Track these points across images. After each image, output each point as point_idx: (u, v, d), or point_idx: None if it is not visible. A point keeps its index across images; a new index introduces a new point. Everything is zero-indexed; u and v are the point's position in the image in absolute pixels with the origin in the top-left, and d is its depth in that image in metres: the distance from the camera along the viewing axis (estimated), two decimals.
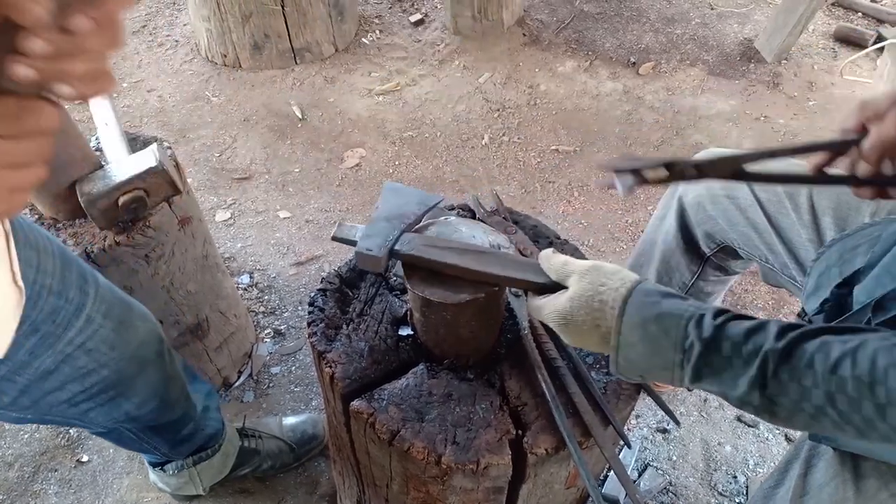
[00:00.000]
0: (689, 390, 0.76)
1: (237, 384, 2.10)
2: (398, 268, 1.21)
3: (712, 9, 3.68)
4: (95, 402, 1.24)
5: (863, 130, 0.90)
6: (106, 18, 0.56)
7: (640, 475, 1.86)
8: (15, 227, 0.99)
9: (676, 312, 0.79)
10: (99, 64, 0.58)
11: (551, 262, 0.94)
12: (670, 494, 1.84)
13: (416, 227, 1.06)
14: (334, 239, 1.05)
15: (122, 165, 1.42)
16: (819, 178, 0.98)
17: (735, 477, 1.88)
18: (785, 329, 0.75)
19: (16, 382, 1.08)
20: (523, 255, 1.23)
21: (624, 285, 0.84)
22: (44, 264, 1.06)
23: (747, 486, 1.86)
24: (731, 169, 0.91)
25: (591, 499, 0.97)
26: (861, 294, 0.95)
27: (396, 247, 1.01)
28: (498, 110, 3.11)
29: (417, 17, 3.62)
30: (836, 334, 0.73)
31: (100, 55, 0.58)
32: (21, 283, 0.97)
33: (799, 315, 1.09)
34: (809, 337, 0.73)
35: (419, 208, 1.08)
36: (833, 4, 3.67)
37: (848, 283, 1.00)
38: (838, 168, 0.95)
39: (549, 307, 0.89)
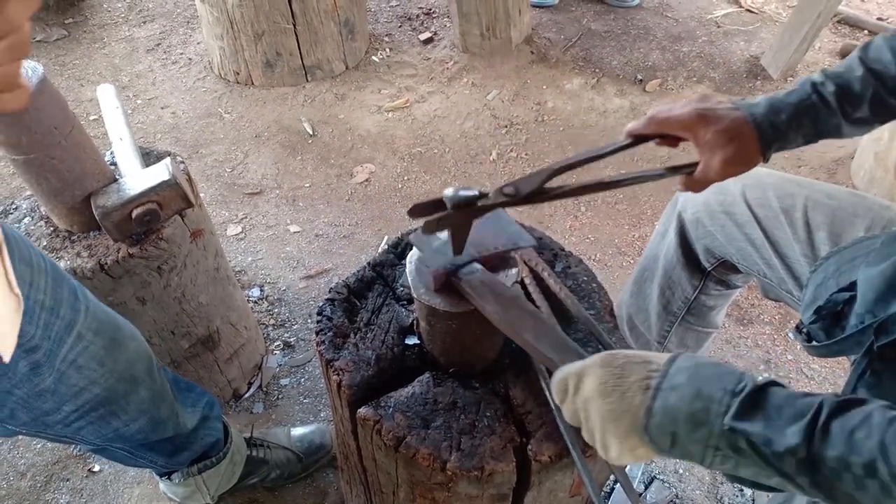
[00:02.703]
0: (717, 451, 0.73)
1: (247, 395, 2.13)
2: (404, 278, 1.24)
3: (719, 27, 3.71)
4: (86, 421, 1.26)
5: (633, 136, 1.10)
6: (7, 26, 0.54)
7: (646, 488, 1.87)
8: (9, 241, 1.01)
9: (734, 369, 0.76)
10: (8, 75, 0.57)
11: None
12: None
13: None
14: (411, 241, 1.07)
15: (136, 179, 1.45)
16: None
17: (742, 490, 1.88)
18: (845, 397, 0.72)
19: (13, 395, 1.09)
20: (528, 266, 1.25)
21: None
22: (36, 281, 1.08)
23: (753, 500, 1.86)
24: (532, 192, 1.00)
25: None
26: (860, 306, 0.96)
27: (461, 273, 1.02)
28: (506, 126, 3.14)
29: (427, 35, 3.66)
30: None
31: (6, 64, 0.56)
32: (18, 291, 0.98)
33: (797, 327, 1.09)
34: (870, 402, 0.69)
35: (505, 244, 1.07)
36: (839, 22, 3.69)
37: (843, 292, 1.01)
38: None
39: (589, 359, 0.84)
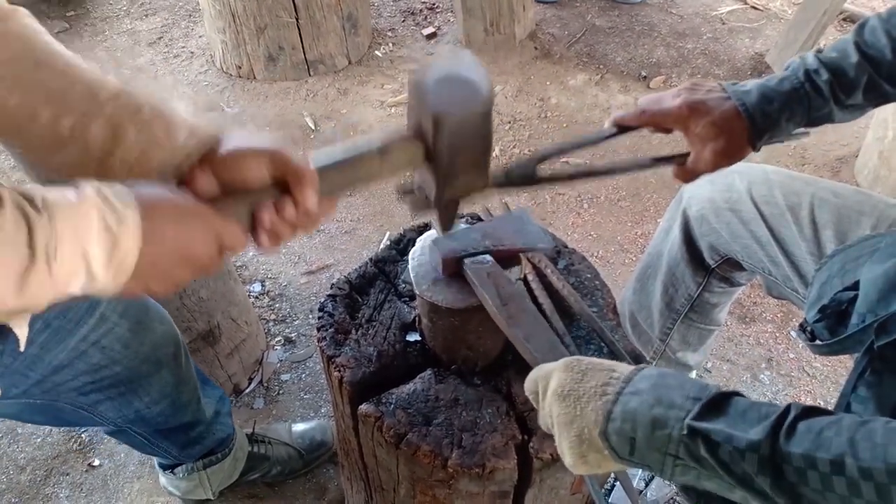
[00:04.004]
0: (678, 460, 0.70)
1: (248, 391, 2.12)
2: (406, 274, 1.23)
3: (723, 23, 3.70)
4: (105, 395, 1.26)
5: (619, 126, 1.10)
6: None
7: (647, 485, 1.86)
8: None
9: (699, 380, 0.75)
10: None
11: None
12: None
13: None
14: (431, 225, 1.09)
15: None
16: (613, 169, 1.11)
17: None
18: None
19: (28, 377, 1.09)
20: (532, 263, 1.24)
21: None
22: None
23: None
24: (524, 176, 1.00)
25: None
26: (861, 305, 0.95)
27: (467, 262, 1.02)
28: (509, 123, 3.13)
29: (430, 30, 3.65)
30: None
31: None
32: None
33: (801, 326, 1.09)
34: (839, 413, 0.68)
35: (524, 243, 1.07)
36: (844, 20, 3.68)
37: (848, 290, 1.01)
38: None
39: (557, 363, 0.83)
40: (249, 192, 0.75)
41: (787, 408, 0.67)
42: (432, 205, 0.88)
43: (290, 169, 0.75)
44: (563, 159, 2.77)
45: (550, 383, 0.81)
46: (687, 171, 1.09)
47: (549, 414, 0.80)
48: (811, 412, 0.67)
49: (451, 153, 0.79)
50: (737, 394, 0.72)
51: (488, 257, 1.03)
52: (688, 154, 1.09)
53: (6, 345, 1.00)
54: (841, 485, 0.61)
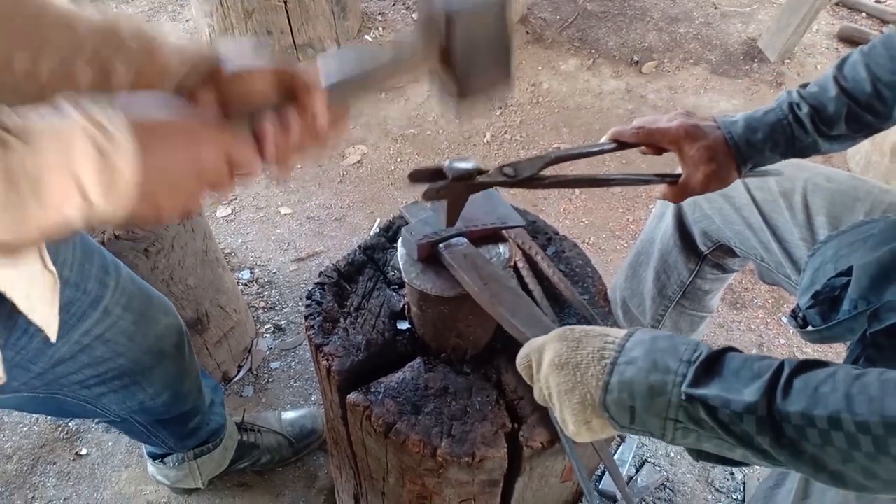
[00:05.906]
0: (678, 424, 0.72)
1: (236, 379, 2.11)
2: (395, 260, 1.22)
3: (716, 8, 3.68)
4: (108, 388, 1.25)
5: (617, 141, 1.15)
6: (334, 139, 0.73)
7: (637, 471, 1.86)
8: None
9: (690, 340, 0.76)
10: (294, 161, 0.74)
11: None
12: (668, 490, 1.84)
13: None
14: (401, 212, 1.11)
15: None
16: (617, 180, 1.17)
17: (732, 473, 1.88)
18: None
19: (29, 371, 1.08)
20: (522, 249, 1.23)
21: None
22: (62, 256, 1.07)
23: (744, 483, 1.86)
24: (530, 177, 1.03)
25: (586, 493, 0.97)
26: (853, 291, 0.95)
27: (441, 247, 1.02)
28: (500, 108, 3.11)
29: None
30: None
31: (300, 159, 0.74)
32: (52, 267, 0.98)
33: (793, 313, 1.10)
34: (833, 364, 0.69)
35: (494, 222, 1.08)
36: (837, 4, 3.66)
37: (841, 276, 1.01)
38: None
39: (549, 334, 0.85)
40: (255, 108, 0.71)
41: (781, 364, 0.69)
42: (455, 97, 0.82)
43: (297, 83, 0.71)
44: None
45: (545, 355, 0.82)
46: (677, 191, 1.15)
47: (546, 386, 0.81)
48: (805, 367, 0.68)
49: (465, 51, 0.76)
50: (729, 349, 0.74)
51: (463, 239, 1.04)
52: (679, 175, 1.14)
53: (8, 338, 0.99)
54: (840, 439, 0.63)
